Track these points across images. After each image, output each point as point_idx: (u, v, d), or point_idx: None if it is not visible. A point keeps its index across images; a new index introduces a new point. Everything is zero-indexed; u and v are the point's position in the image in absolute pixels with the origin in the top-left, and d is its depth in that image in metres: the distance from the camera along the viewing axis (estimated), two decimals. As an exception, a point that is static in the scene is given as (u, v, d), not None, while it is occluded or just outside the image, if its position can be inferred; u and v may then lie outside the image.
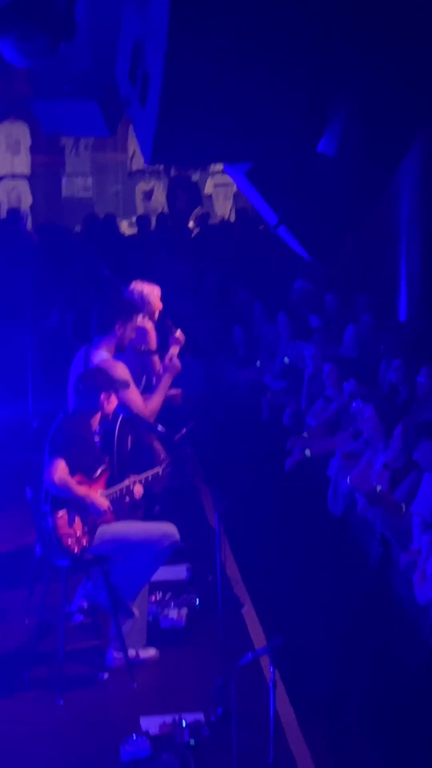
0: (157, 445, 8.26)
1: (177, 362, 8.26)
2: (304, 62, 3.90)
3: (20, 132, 21.47)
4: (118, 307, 7.99)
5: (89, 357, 7.90)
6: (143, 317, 8.49)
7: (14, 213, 19.81)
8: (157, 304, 8.76)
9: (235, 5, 3.76)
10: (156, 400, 7.96)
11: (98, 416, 7.21)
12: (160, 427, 7.62)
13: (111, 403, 7.23)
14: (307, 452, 10.27)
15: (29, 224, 19.88)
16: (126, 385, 7.49)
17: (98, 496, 7.05)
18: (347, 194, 4.68)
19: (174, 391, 8.55)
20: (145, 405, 7.83)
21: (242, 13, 3.75)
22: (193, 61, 3.77)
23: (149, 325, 8.61)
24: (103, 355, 7.85)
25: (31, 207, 21.58)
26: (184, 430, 8.11)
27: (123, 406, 7.55)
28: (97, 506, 7.01)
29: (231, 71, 3.85)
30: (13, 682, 7.14)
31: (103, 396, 7.17)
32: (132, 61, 4.11)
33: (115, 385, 7.29)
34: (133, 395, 7.76)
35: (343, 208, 4.78)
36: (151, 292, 8.75)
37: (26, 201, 21.57)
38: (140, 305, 8.45)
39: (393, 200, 10.84)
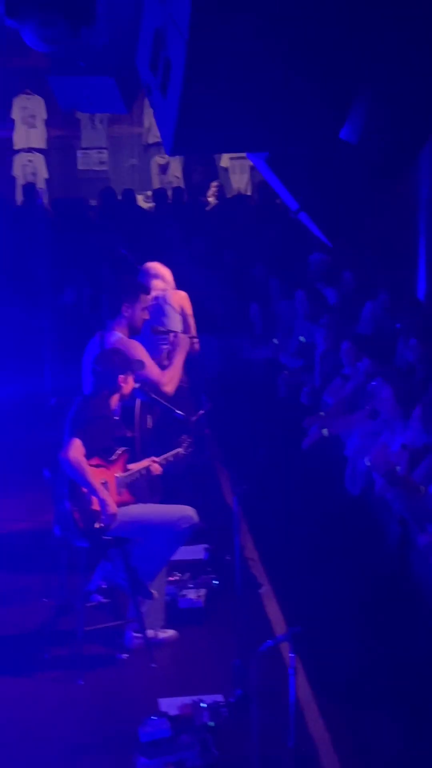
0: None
1: (185, 337, 8.30)
2: (326, 50, 3.89)
3: (36, 106, 21.41)
4: (123, 288, 8.05)
5: (104, 341, 7.94)
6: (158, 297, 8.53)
7: (30, 188, 19.79)
8: (171, 283, 8.82)
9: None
10: (173, 372, 8.01)
11: (117, 397, 7.25)
12: (178, 412, 7.64)
13: (129, 384, 7.26)
14: (325, 431, 10.27)
15: (45, 199, 19.84)
16: (142, 365, 7.51)
17: (112, 502, 7.02)
18: (368, 181, 4.68)
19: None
20: (162, 374, 7.89)
21: (264, 1, 3.74)
22: (214, 50, 3.77)
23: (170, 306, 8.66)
24: (117, 336, 7.90)
25: (47, 181, 21.54)
26: (201, 412, 8.12)
27: (141, 390, 7.58)
28: (106, 509, 6.98)
29: (253, 60, 3.84)
30: (33, 662, 7.20)
31: (120, 377, 7.20)
32: (153, 49, 4.11)
33: (132, 366, 7.32)
34: (150, 367, 7.81)
35: (364, 194, 4.78)
36: (165, 273, 8.80)
37: (42, 175, 21.54)
38: (150, 285, 8.50)
39: (413, 180, 10.80)
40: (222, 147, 5.86)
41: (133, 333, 8.06)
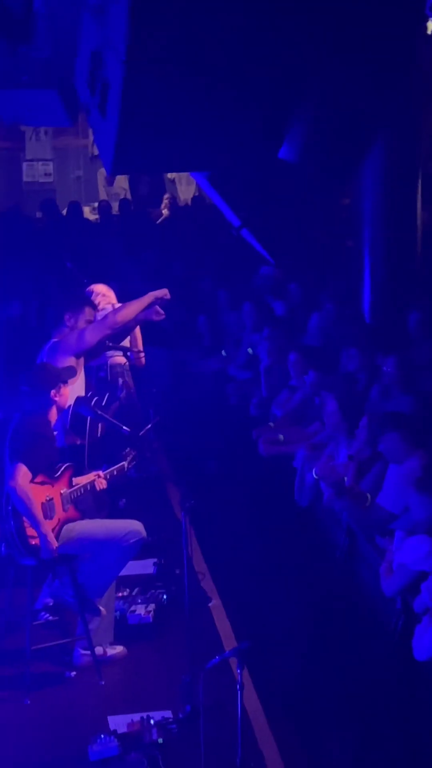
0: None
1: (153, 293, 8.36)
2: (263, 73, 3.93)
3: (-20, 117, 21.34)
4: (68, 298, 8.12)
5: (44, 352, 7.97)
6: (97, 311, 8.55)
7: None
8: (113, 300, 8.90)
9: (193, 16, 3.78)
10: (130, 305, 8.08)
11: (54, 411, 7.22)
12: (124, 428, 7.64)
13: (63, 396, 7.24)
14: (281, 437, 10.33)
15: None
16: (72, 373, 7.52)
17: (51, 536, 6.99)
18: (309, 197, 4.72)
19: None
20: (109, 316, 8.00)
21: (200, 23, 3.77)
22: (152, 71, 3.79)
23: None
24: (53, 339, 7.94)
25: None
26: (149, 425, 8.14)
27: (86, 406, 7.59)
28: (47, 543, 6.94)
29: (191, 80, 3.87)
30: (-21, 682, 7.16)
31: (52, 392, 7.17)
32: (90, 70, 4.12)
33: (62, 378, 7.28)
34: (92, 326, 7.94)
35: (305, 210, 4.82)
36: (108, 292, 8.87)
37: (-16, 186, 21.50)
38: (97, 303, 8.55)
39: (356, 192, 10.89)
40: (162, 167, 5.90)
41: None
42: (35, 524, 6.90)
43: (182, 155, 4.14)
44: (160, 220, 19.06)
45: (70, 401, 7.49)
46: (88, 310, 8.07)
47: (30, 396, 7.29)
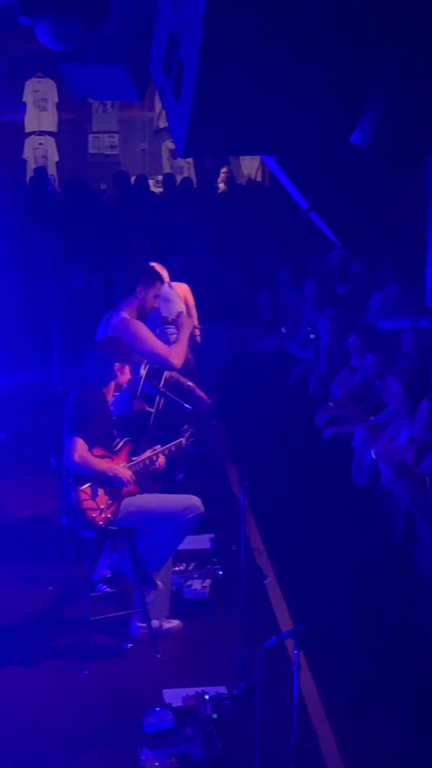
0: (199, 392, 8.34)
1: (187, 317, 8.36)
2: (337, 55, 3.90)
3: (48, 89, 21.40)
4: (141, 270, 8.10)
5: (110, 321, 7.98)
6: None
7: (41, 171, 19.77)
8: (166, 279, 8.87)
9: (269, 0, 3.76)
10: (179, 347, 8.10)
11: (112, 386, 7.26)
12: (186, 406, 7.66)
13: (124, 374, 7.27)
14: (331, 404, 10.34)
15: (56, 182, 19.84)
16: (137, 359, 7.55)
17: (120, 468, 7.10)
18: (378, 182, 4.69)
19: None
20: (168, 350, 7.97)
21: (277, 7, 3.75)
22: (227, 55, 3.77)
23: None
24: (122, 315, 7.93)
25: (58, 164, 21.54)
26: (209, 402, 8.15)
27: (150, 383, 7.62)
28: (120, 478, 7.06)
29: (265, 64, 3.85)
30: (38, 651, 7.23)
31: (116, 366, 7.21)
32: (166, 52, 4.12)
33: (129, 357, 7.32)
34: (154, 342, 7.92)
35: (374, 195, 4.79)
36: (163, 271, 8.84)
37: (52, 158, 21.53)
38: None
39: (421, 180, 10.81)
40: (233, 150, 5.89)
41: (141, 318, 8.08)
42: (104, 476, 6.95)
43: (254, 139, 4.12)
44: (219, 192, 19.02)
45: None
46: (158, 285, 8.07)
47: (95, 363, 7.32)
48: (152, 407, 7.77)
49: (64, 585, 7.44)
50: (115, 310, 8.09)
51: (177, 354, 8.08)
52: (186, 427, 7.66)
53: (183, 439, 7.58)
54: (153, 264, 8.80)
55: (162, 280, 8.23)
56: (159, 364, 7.89)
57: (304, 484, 9.81)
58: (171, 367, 7.97)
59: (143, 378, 7.74)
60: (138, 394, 7.77)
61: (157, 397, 7.79)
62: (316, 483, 9.76)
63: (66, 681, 6.90)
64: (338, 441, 9.99)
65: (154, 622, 7.30)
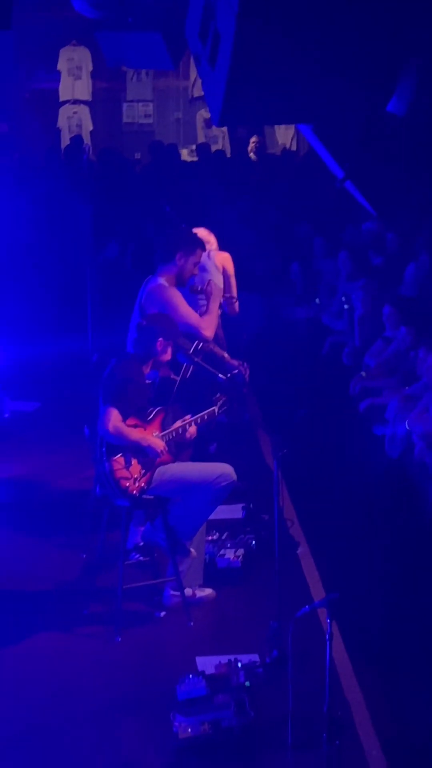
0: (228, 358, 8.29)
1: (216, 285, 8.28)
2: (376, 24, 3.88)
3: (82, 57, 21.40)
4: (183, 237, 8.01)
5: (147, 285, 7.95)
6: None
7: (76, 140, 19.78)
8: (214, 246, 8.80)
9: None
10: (210, 318, 8.05)
11: (150, 363, 7.25)
12: (220, 376, 7.66)
13: (166, 354, 7.27)
14: (363, 374, 10.33)
15: (90, 151, 19.84)
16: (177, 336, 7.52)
17: (153, 438, 7.13)
18: (415, 152, 4.67)
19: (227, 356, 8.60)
20: (200, 320, 7.93)
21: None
22: (264, 23, 3.76)
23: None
24: (159, 281, 7.90)
25: (92, 133, 21.54)
26: (236, 372, 8.15)
27: (184, 354, 7.61)
28: (153, 448, 7.09)
29: (301, 33, 3.84)
30: (72, 618, 7.28)
31: (160, 341, 7.20)
32: (203, 20, 4.11)
33: (173, 335, 7.31)
34: (187, 311, 7.89)
35: (410, 165, 4.77)
36: (210, 237, 8.78)
37: (87, 127, 21.54)
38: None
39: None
40: (269, 118, 5.88)
41: (179, 285, 8.05)
42: (138, 446, 7.00)
43: (289, 107, 4.11)
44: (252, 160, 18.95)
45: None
46: (199, 253, 8.00)
47: (141, 331, 7.31)
48: (177, 375, 7.75)
49: (98, 554, 7.49)
50: (153, 275, 8.06)
51: (208, 324, 8.04)
52: (218, 395, 7.65)
53: (216, 408, 7.58)
54: (201, 230, 8.72)
55: (204, 248, 8.12)
56: (191, 335, 7.87)
57: (337, 454, 9.82)
58: (203, 338, 7.93)
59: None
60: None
61: (185, 365, 7.76)
62: (349, 454, 9.78)
63: (100, 648, 6.95)
64: (372, 412, 9.99)
65: (188, 591, 7.34)
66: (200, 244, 8.04)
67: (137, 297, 8.14)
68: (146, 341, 7.27)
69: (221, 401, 7.62)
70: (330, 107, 4.17)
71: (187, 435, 7.38)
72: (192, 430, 7.39)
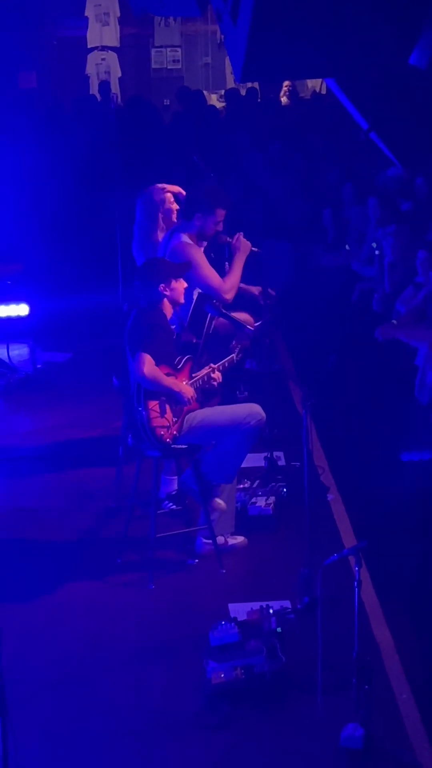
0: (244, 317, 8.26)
1: (244, 240, 8.20)
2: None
3: (109, 3, 21.30)
4: (201, 196, 7.94)
5: (170, 241, 7.97)
6: None
7: (105, 87, 19.72)
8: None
9: None
10: (232, 278, 7.98)
11: (167, 305, 7.30)
12: (248, 327, 7.70)
13: (175, 291, 7.30)
14: (394, 322, 10.35)
15: (119, 99, 19.81)
16: (187, 266, 7.48)
17: (184, 386, 7.22)
18: (438, 103, 4.69)
19: (255, 289, 8.59)
20: (221, 282, 7.88)
21: None
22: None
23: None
24: (182, 238, 7.91)
25: (120, 80, 21.48)
26: (259, 323, 8.19)
27: (211, 305, 7.64)
28: (183, 395, 7.18)
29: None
30: (106, 566, 7.41)
31: (161, 287, 7.26)
32: (224, -24, 4.13)
33: (172, 273, 7.32)
34: (209, 272, 7.82)
35: (433, 115, 4.79)
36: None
37: (115, 73, 21.47)
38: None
39: None
40: (291, 73, 5.88)
41: (203, 240, 8.06)
42: (172, 392, 7.09)
43: (312, 62, 4.14)
44: (284, 104, 18.84)
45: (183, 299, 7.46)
46: (219, 212, 7.90)
47: (140, 290, 7.40)
48: (200, 338, 7.77)
49: (131, 502, 7.59)
50: (175, 230, 8.08)
51: (229, 286, 7.91)
52: (234, 343, 7.72)
53: (234, 356, 7.65)
54: (174, 188, 8.65)
55: (225, 206, 7.99)
56: (210, 296, 7.82)
57: (368, 402, 9.87)
58: (223, 301, 7.84)
59: (194, 304, 7.75)
60: (186, 324, 7.79)
61: (207, 324, 7.77)
62: (379, 401, 9.82)
63: (134, 596, 7.08)
64: (401, 358, 10.01)
65: (220, 539, 7.45)
66: (221, 203, 7.91)
67: (160, 250, 8.18)
68: (148, 295, 7.31)
69: (238, 348, 7.68)
70: (352, 61, 4.19)
71: (213, 382, 7.45)
72: (216, 375, 7.46)
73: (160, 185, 8.76)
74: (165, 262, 7.48)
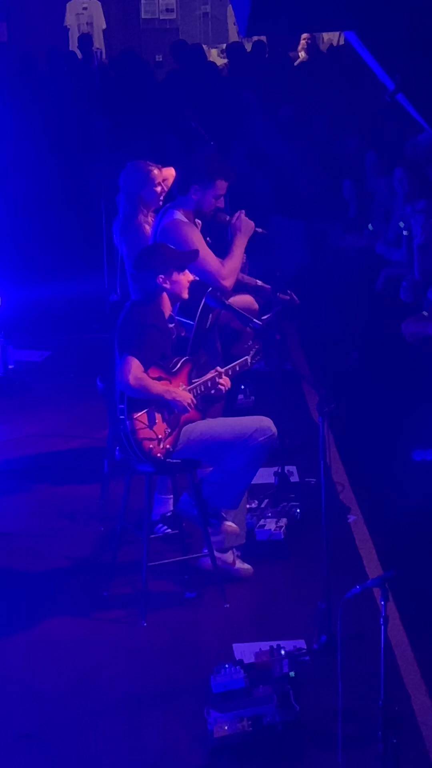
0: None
1: (247, 220, 8.21)
2: None
3: None
4: (196, 167, 7.94)
5: (161, 221, 7.97)
6: None
7: (86, 41, 19.71)
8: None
9: None
10: (232, 262, 7.97)
11: (166, 299, 7.29)
12: (255, 321, 7.66)
13: (177, 284, 7.28)
14: (425, 313, 10.37)
15: (104, 55, 19.80)
16: (194, 255, 7.48)
17: (180, 392, 7.19)
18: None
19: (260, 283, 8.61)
20: (220, 266, 7.88)
21: None
22: None
23: None
24: (174, 217, 7.91)
25: (105, 32, 21.46)
26: (269, 315, 8.19)
27: (213, 296, 7.63)
28: (179, 402, 7.14)
29: None
30: (91, 600, 7.41)
31: (160, 278, 7.25)
32: None
33: (174, 262, 7.31)
34: (205, 255, 7.81)
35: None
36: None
37: (99, 26, 21.45)
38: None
39: None
40: (303, 26, 5.86)
41: (200, 218, 8.06)
42: (161, 400, 7.07)
43: (327, 11, 4.12)
44: (297, 62, 18.82)
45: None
46: (220, 184, 7.91)
47: (136, 279, 7.38)
48: (190, 333, 7.74)
49: (119, 526, 7.59)
50: (169, 207, 8.08)
51: (227, 272, 7.91)
52: (251, 343, 7.68)
53: (248, 358, 7.62)
54: (169, 170, 8.66)
55: (227, 177, 8.00)
56: (206, 282, 7.80)
57: (395, 408, 9.87)
58: (221, 288, 7.83)
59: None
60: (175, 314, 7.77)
61: (197, 318, 7.74)
62: (408, 406, 9.82)
63: (123, 634, 7.07)
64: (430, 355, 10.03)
65: (228, 556, 7.41)
66: (222, 173, 7.93)
67: (151, 231, 8.18)
68: (144, 286, 7.28)
69: (254, 349, 7.65)
70: (375, 9, 4.19)
71: (220, 388, 7.43)
72: (224, 382, 7.43)
73: (147, 163, 8.76)
74: (167, 248, 7.42)
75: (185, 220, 7.90)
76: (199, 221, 8.06)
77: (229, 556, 7.48)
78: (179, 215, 7.91)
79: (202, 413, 7.37)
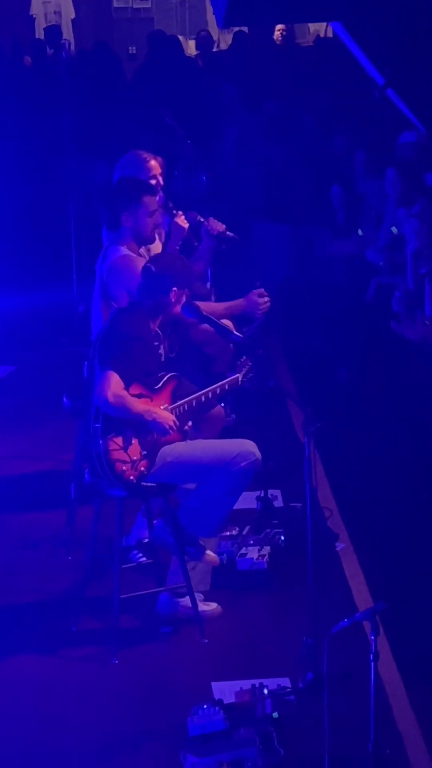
0: None
1: (214, 221, 8.26)
2: None
3: None
4: (118, 193, 7.97)
5: (106, 259, 7.97)
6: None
7: (53, 32, 19.74)
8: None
9: None
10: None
11: (160, 318, 7.28)
12: (236, 334, 7.67)
13: (179, 304, 7.32)
14: (427, 323, 10.41)
15: (72, 47, 19.84)
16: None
17: (162, 412, 7.17)
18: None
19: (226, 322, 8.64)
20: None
21: None
22: None
23: None
24: (122, 251, 7.92)
25: (74, 22, 21.51)
26: (252, 328, 8.20)
27: (190, 306, 7.64)
28: (160, 423, 7.11)
29: None
30: (58, 636, 7.39)
31: (174, 291, 7.23)
32: None
33: (189, 283, 7.36)
34: None
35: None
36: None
37: (67, 14, 21.50)
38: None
39: None
40: (285, 15, 5.87)
41: (144, 243, 8.09)
42: (142, 420, 7.05)
43: (307, 2, 4.15)
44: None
45: None
46: (147, 199, 7.91)
47: (145, 280, 7.31)
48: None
49: (89, 555, 7.58)
50: (109, 245, 8.07)
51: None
52: (243, 359, 7.67)
53: (239, 375, 7.61)
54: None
55: (153, 191, 8.02)
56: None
57: (387, 426, 9.89)
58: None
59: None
60: None
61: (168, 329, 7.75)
62: (401, 425, 9.85)
63: (93, 673, 7.04)
64: (426, 371, 10.06)
65: (187, 600, 7.40)
66: (144, 189, 7.96)
67: (96, 271, 8.17)
68: (156, 292, 7.28)
69: (246, 367, 7.64)
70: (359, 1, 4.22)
71: (209, 409, 7.44)
72: (219, 410, 7.43)
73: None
74: (184, 261, 7.48)
75: (131, 254, 7.90)
76: (148, 244, 8.08)
77: (187, 601, 7.46)
78: (124, 250, 7.90)
79: (182, 435, 7.35)
